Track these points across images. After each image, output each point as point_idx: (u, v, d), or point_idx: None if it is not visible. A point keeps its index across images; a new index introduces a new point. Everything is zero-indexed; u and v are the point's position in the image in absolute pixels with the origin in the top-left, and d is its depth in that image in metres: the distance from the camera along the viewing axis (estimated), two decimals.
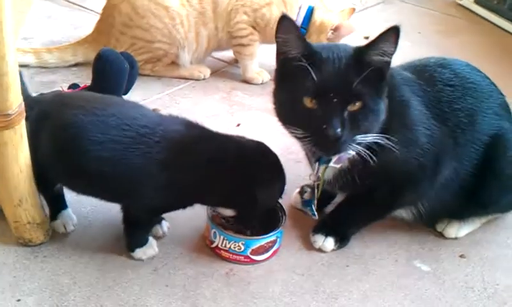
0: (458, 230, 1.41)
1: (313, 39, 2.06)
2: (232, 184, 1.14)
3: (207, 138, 1.18)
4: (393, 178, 1.25)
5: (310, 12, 2.07)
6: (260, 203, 1.15)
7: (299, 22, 2.06)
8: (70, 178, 1.20)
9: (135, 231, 1.24)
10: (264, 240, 1.25)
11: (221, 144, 1.17)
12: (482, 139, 1.29)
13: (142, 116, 1.17)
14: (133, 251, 1.24)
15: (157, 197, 1.16)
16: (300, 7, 2.07)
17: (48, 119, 1.16)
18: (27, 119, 1.14)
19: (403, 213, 1.39)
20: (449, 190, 1.32)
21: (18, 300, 1.12)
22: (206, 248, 1.29)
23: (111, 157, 1.12)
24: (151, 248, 1.25)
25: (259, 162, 1.17)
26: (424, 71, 1.32)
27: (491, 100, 1.33)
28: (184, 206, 1.22)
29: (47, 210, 1.28)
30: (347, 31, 2.08)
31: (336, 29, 2.06)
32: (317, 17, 2.07)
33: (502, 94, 1.38)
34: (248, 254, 1.25)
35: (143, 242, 1.24)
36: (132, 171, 1.13)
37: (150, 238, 1.26)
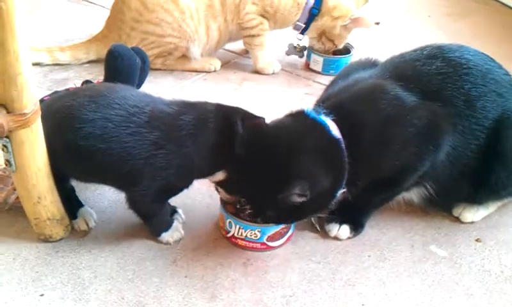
0: (474, 214, 1.41)
1: (326, 21, 2.05)
2: (217, 139, 1.16)
3: (189, 109, 1.20)
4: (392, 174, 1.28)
5: None
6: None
7: (310, 2, 2.05)
8: (73, 164, 1.20)
9: (152, 220, 1.26)
10: (279, 226, 1.26)
11: (203, 109, 1.20)
12: (484, 124, 1.27)
13: (132, 96, 1.20)
14: (159, 235, 1.27)
15: (157, 179, 1.17)
16: None
17: (46, 114, 1.16)
18: None
19: (413, 196, 1.38)
20: (455, 172, 1.30)
21: (42, 294, 1.14)
22: (223, 239, 1.31)
23: (103, 134, 1.13)
24: (177, 231, 1.28)
25: (237, 111, 1.21)
26: (408, 68, 1.31)
27: (493, 82, 1.30)
28: (187, 186, 1.23)
29: None
30: (362, 25, 2.06)
31: (354, 21, 2.03)
32: None
33: (508, 74, 1.35)
34: (264, 240, 1.27)
35: (167, 226, 1.27)
36: (126, 149, 1.14)
37: (175, 222, 1.29)
